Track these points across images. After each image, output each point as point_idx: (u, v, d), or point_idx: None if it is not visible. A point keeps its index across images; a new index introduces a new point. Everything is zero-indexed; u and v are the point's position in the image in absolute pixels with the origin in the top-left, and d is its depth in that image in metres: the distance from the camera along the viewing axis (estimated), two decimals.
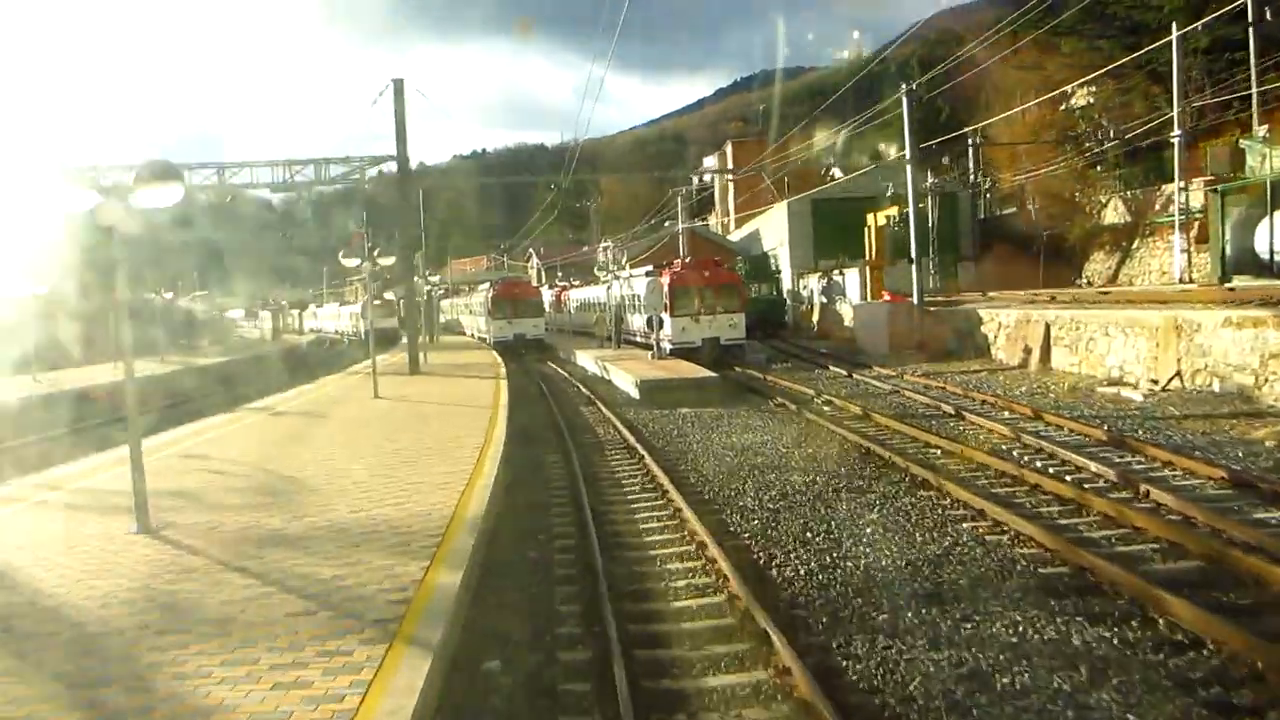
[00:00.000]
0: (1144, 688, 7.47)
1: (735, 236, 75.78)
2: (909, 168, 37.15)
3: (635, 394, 28.45)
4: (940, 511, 13.09)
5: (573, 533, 13.09)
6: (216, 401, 29.94)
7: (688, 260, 38.69)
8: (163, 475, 14.52)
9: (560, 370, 39.99)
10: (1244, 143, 34.15)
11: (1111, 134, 53.27)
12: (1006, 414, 21.39)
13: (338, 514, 11.77)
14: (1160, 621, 8.71)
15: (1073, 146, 48.90)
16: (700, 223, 77.99)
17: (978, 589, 9.88)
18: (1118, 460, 15.57)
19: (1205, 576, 9.94)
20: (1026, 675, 7.76)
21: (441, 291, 76.73)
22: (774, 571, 10.96)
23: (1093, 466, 14.99)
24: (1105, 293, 34.20)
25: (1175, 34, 38.40)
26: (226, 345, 68.82)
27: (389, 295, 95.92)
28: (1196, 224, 39.31)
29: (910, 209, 37.41)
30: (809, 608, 9.69)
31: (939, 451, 17.41)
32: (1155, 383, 22.86)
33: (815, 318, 52.26)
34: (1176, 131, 39.00)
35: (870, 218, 43.82)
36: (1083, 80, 51.23)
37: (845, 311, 47.40)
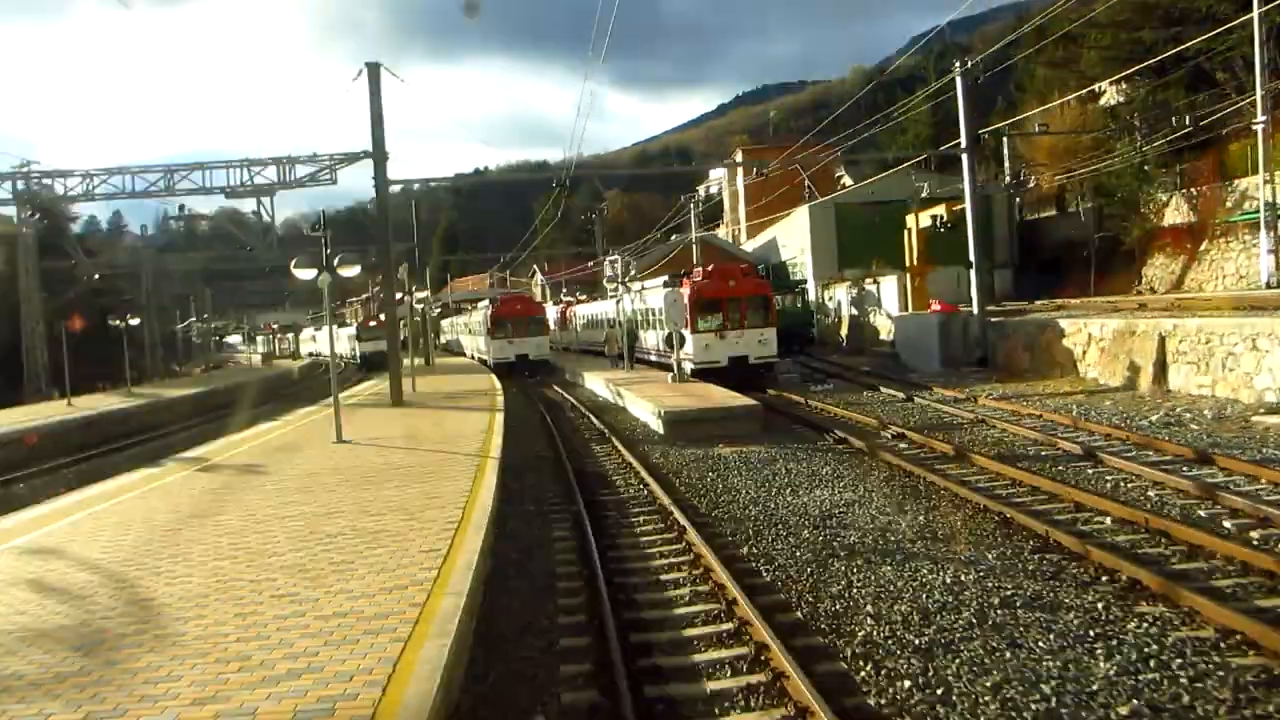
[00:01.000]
0: None
1: (748, 246, 70.46)
2: (965, 158, 31.84)
3: (658, 427, 23.11)
4: (1208, 652, 7.69)
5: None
6: (153, 448, 24.64)
7: (710, 268, 33.46)
8: None
9: (566, 396, 34.64)
10: None
11: (1144, 131, 48.12)
12: (1153, 455, 15.94)
13: (163, 712, 6.38)
14: None
15: (1128, 140, 43.50)
16: (707, 234, 72.69)
17: None
18: None
19: None
20: None
21: (438, 310, 71.39)
22: None
23: None
24: (1209, 299, 28.74)
25: (1258, 8, 33.12)
26: (210, 373, 63.67)
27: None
28: None
29: (968, 205, 32.07)
30: None
31: (1111, 522, 11.97)
32: None
33: (844, 331, 46.84)
34: (1261, 118, 33.67)
35: (910, 219, 38.47)
36: (1125, 73, 46.03)
37: (881, 324, 42.01)
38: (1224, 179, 41.13)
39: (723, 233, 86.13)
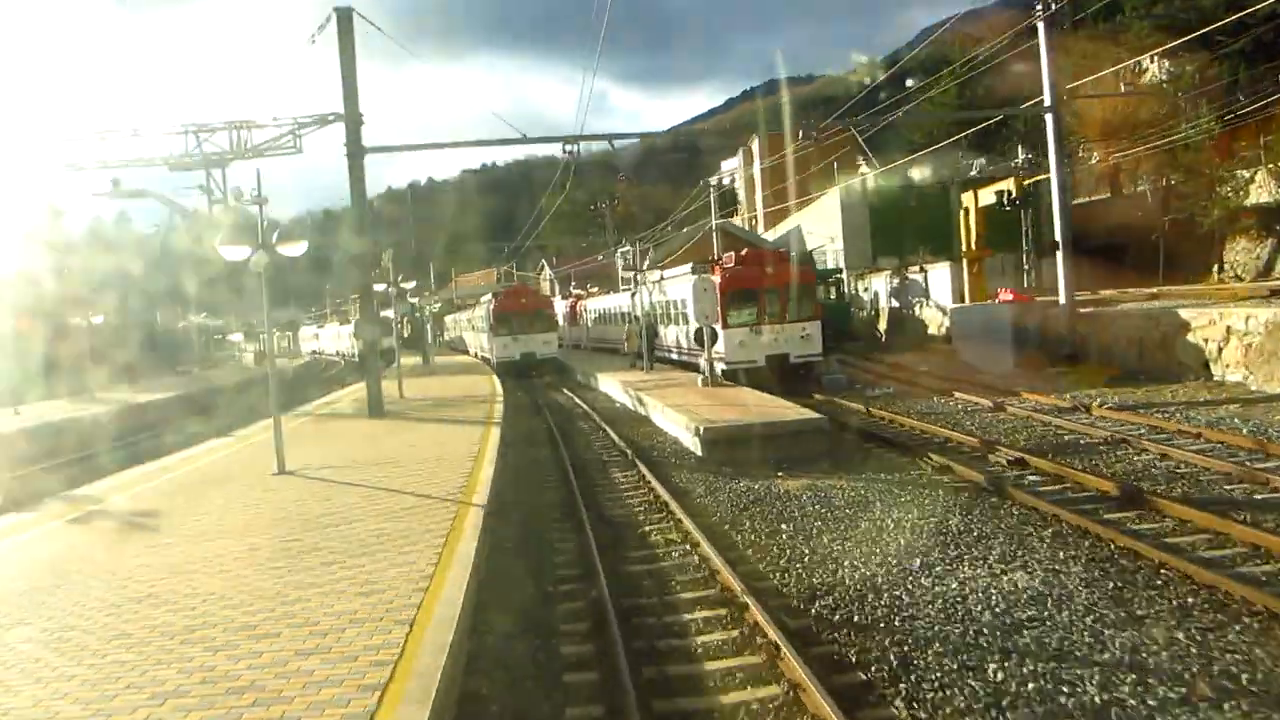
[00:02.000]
0: None
1: (768, 237, 65.05)
2: (1048, 118, 26.47)
3: (693, 446, 17.90)
4: None
5: None
6: (67, 475, 19.54)
7: (744, 253, 28.21)
8: None
9: (578, 402, 29.44)
10: None
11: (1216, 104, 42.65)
12: None
13: None
14: None
15: (1205, 109, 38.01)
16: (725, 221, 67.26)
17: None
18: None
19: None
20: None
21: (438, 306, 66.14)
22: None
23: None
24: None
25: None
26: (198, 374, 58.51)
27: (389, 312, 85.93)
28: None
29: (1054, 172, 26.71)
30: None
31: None
32: None
33: (883, 325, 41.49)
34: None
35: (967, 197, 33.14)
36: (1168, 46, 40.64)
37: (930, 317, 36.68)
38: None
39: (738, 222, 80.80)
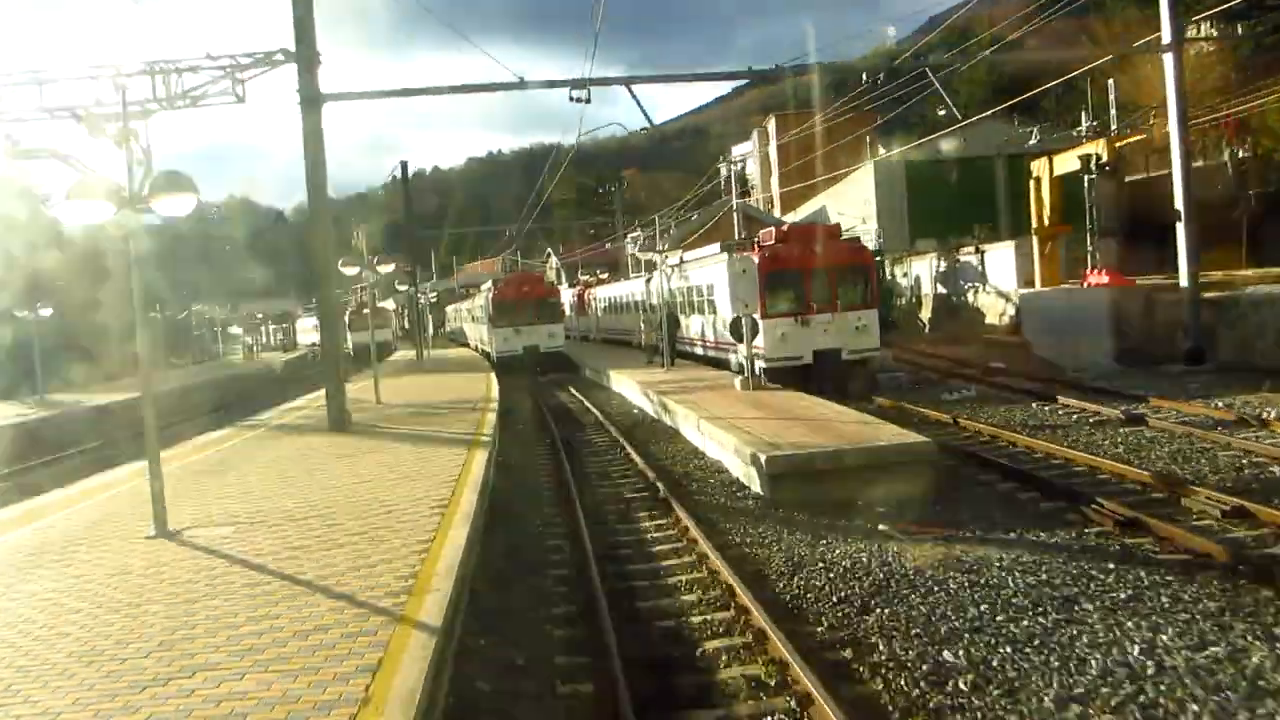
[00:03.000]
0: None
1: (789, 220, 59.86)
2: (1168, 60, 21.33)
3: (751, 480, 12.94)
4: None
5: None
6: None
7: (786, 229, 23.18)
8: None
9: (589, 406, 24.48)
10: None
11: None
12: None
13: None
14: None
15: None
16: (744, 202, 62.02)
17: None
18: None
19: None
20: None
21: (433, 295, 61.08)
22: None
23: None
24: None
25: None
26: (185, 370, 53.77)
27: (388, 303, 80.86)
28: None
29: (1173, 127, 21.57)
30: None
31: None
32: None
33: (925, 315, 36.37)
34: None
35: (1039, 165, 28.01)
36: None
37: (989, 304, 31.59)
38: None
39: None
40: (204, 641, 6.54)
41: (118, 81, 18.08)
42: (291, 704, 5.38)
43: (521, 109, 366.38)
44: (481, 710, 6.51)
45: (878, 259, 38.79)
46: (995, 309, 30.80)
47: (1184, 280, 20.85)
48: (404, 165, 40.49)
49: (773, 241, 22.70)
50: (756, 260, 21.27)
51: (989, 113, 38.17)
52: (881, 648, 7.19)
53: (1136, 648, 6.72)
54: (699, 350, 28.45)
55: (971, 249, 32.54)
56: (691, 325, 28.76)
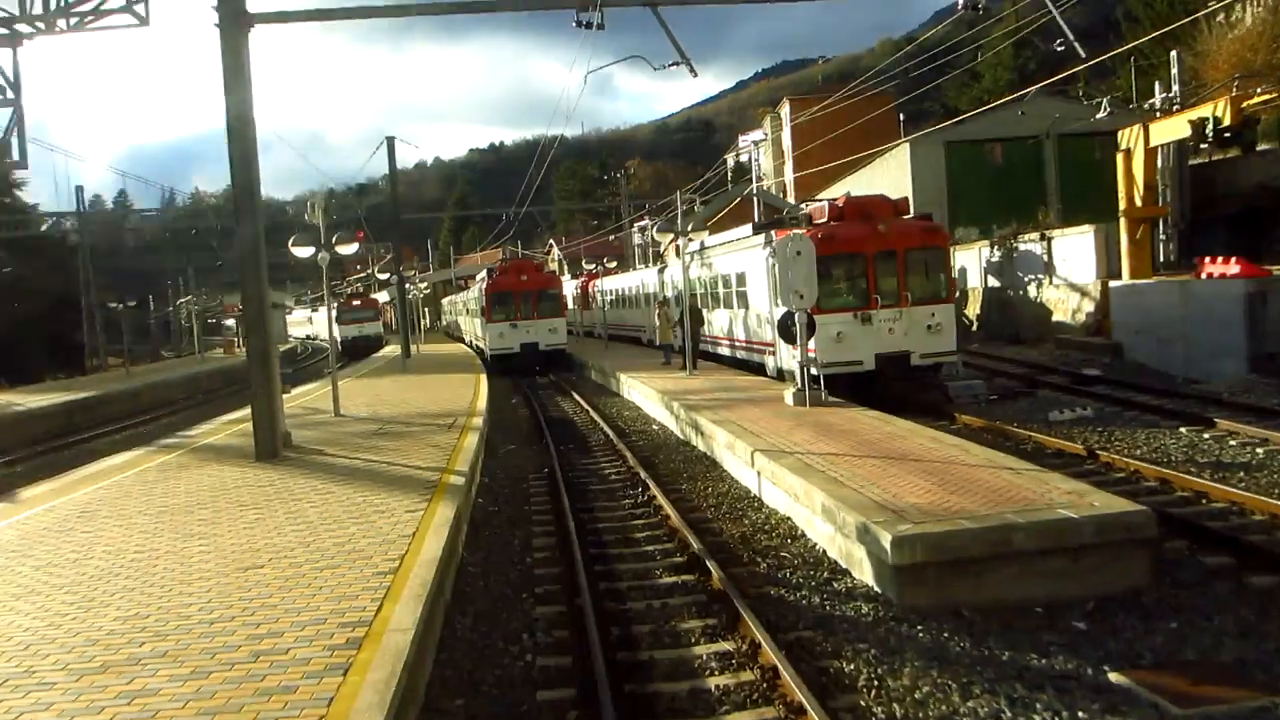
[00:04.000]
0: None
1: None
2: None
3: (856, 562, 8.26)
4: None
5: None
6: None
7: (841, 201, 18.38)
8: None
9: (596, 418, 19.79)
10: None
11: None
12: None
13: None
14: None
15: None
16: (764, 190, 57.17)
17: None
18: None
19: None
20: None
21: (425, 287, 56.21)
22: None
23: None
24: None
25: None
26: (150, 367, 49.09)
27: (382, 296, 75.91)
28: None
29: None
30: None
31: None
32: None
33: (973, 311, 31.65)
34: None
35: (1130, 135, 23.25)
36: None
37: (1057, 299, 26.86)
38: None
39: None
40: None
41: None
42: None
43: (523, 103, 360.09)
44: None
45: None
46: (1066, 305, 26.07)
47: None
48: (390, 141, 35.64)
49: (827, 218, 17.99)
50: (809, 241, 16.49)
51: (1039, 86, 33.53)
52: None
53: None
54: (723, 350, 23.78)
55: (1035, 236, 27.77)
56: (714, 321, 24.09)
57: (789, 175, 65.14)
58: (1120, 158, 23.21)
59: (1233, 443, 12.66)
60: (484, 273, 36.42)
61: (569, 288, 43.84)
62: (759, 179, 52.81)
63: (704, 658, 6.85)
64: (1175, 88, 26.30)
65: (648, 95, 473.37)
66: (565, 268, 69.12)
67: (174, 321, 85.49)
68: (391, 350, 43.90)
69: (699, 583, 8.45)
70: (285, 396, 23.27)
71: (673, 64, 14.57)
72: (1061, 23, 14.82)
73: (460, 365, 31.29)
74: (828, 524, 8.78)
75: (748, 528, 10.14)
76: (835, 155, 43.79)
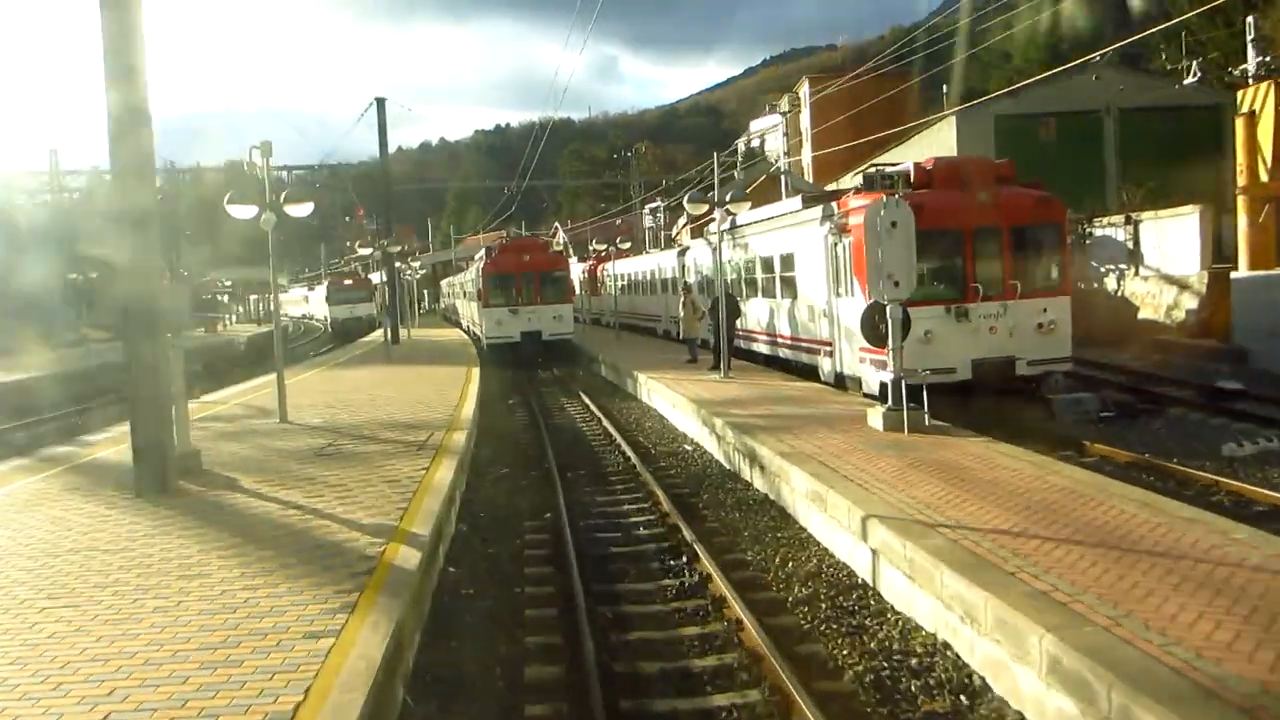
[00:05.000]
0: None
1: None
2: None
3: None
4: None
5: None
6: None
7: (929, 163, 14.21)
8: None
9: (609, 428, 15.71)
10: None
11: None
12: None
13: None
14: None
15: None
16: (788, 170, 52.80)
17: None
18: None
19: None
20: None
21: (419, 267, 51.87)
22: None
23: None
24: None
25: None
26: (94, 349, 44.83)
27: (375, 277, 71.56)
28: None
29: None
30: None
31: None
32: None
33: None
34: None
35: (1257, 93, 19.02)
36: None
37: (1145, 294, 22.68)
38: None
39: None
40: None
41: None
42: None
43: (527, 83, 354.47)
44: None
45: None
46: (1157, 300, 21.89)
47: None
48: (380, 101, 31.37)
49: (922, 183, 13.78)
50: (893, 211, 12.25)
51: (1113, 48, 29.27)
52: None
53: None
54: (760, 347, 19.66)
55: (1118, 220, 23.56)
56: (751, 313, 19.93)
57: (807, 157, 60.79)
58: (1241, 123, 19.03)
59: None
60: (482, 252, 32.20)
61: (576, 272, 39.62)
62: (786, 154, 48.41)
63: None
64: (1259, 56, 21.95)
65: (653, 81, 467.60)
66: (571, 251, 64.92)
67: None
68: (373, 337, 39.76)
69: None
70: (234, 391, 19.15)
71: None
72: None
73: (451, 355, 27.13)
74: (1070, 697, 4.66)
75: (879, 658, 6.04)
76: (856, 136, 39.54)
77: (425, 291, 71.63)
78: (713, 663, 6.23)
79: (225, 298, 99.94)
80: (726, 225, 21.69)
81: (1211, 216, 20.57)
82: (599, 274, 39.16)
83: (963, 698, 5.43)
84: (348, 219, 39.35)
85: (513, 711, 5.63)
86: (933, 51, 41.31)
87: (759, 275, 19.60)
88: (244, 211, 13.43)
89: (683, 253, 27.52)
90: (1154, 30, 33.65)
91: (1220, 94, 30.06)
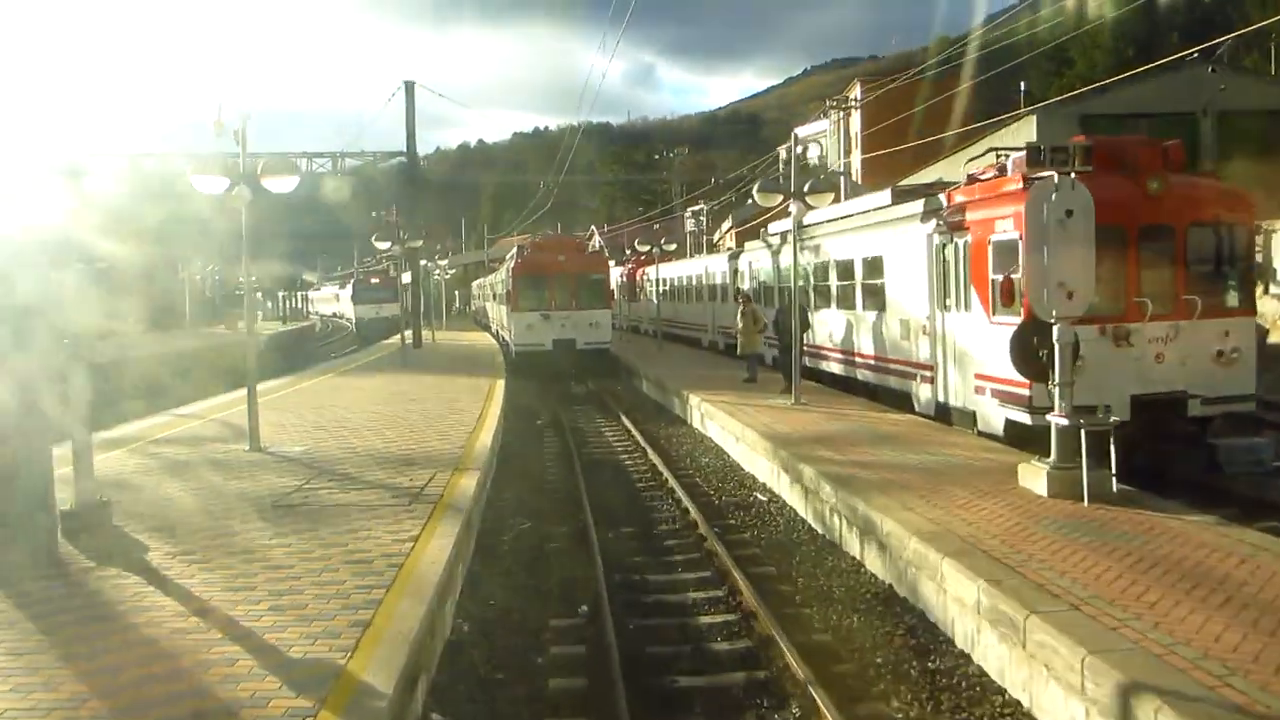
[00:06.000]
0: None
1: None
2: None
3: None
4: None
5: None
6: None
7: (1083, 141, 11.17)
8: None
9: (656, 463, 12.68)
10: None
11: None
12: None
13: None
14: None
15: None
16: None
17: None
18: None
19: None
20: None
21: (446, 267, 49.00)
22: None
23: None
24: None
25: None
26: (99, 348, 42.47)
27: (407, 277, 69.01)
28: None
29: None
30: None
31: None
32: None
33: None
34: None
35: None
36: None
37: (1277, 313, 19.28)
38: None
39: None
40: None
41: None
42: None
43: (565, 88, 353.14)
44: None
45: None
46: None
47: None
48: (409, 85, 28.60)
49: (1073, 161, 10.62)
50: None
51: (1222, 40, 26.05)
52: None
53: None
54: (832, 367, 16.52)
55: (1255, 232, 20.15)
56: (821, 326, 16.78)
57: (857, 162, 57.44)
58: None
59: None
60: (514, 250, 29.28)
61: (613, 275, 36.57)
62: (844, 154, 45.23)
63: None
64: None
65: (691, 88, 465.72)
66: (607, 254, 61.97)
67: (190, 291, 79.46)
68: (389, 341, 36.99)
69: None
70: (223, 401, 16.32)
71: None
72: None
73: (476, 363, 24.21)
74: None
75: None
76: (909, 141, 36.18)
77: (457, 293, 69.10)
78: None
79: (259, 295, 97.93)
80: (785, 226, 18.65)
81: None
82: (639, 278, 36.13)
83: None
84: (374, 214, 37.08)
85: None
86: (991, 52, 38.14)
87: (833, 283, 16.49)
88: (212, 184, 10.56)
89: (735, 256, 24.44)
90: (1245, 31, 30.20)
91: None
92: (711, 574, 7.99)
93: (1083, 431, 7.78)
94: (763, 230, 22.26)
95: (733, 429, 12.87)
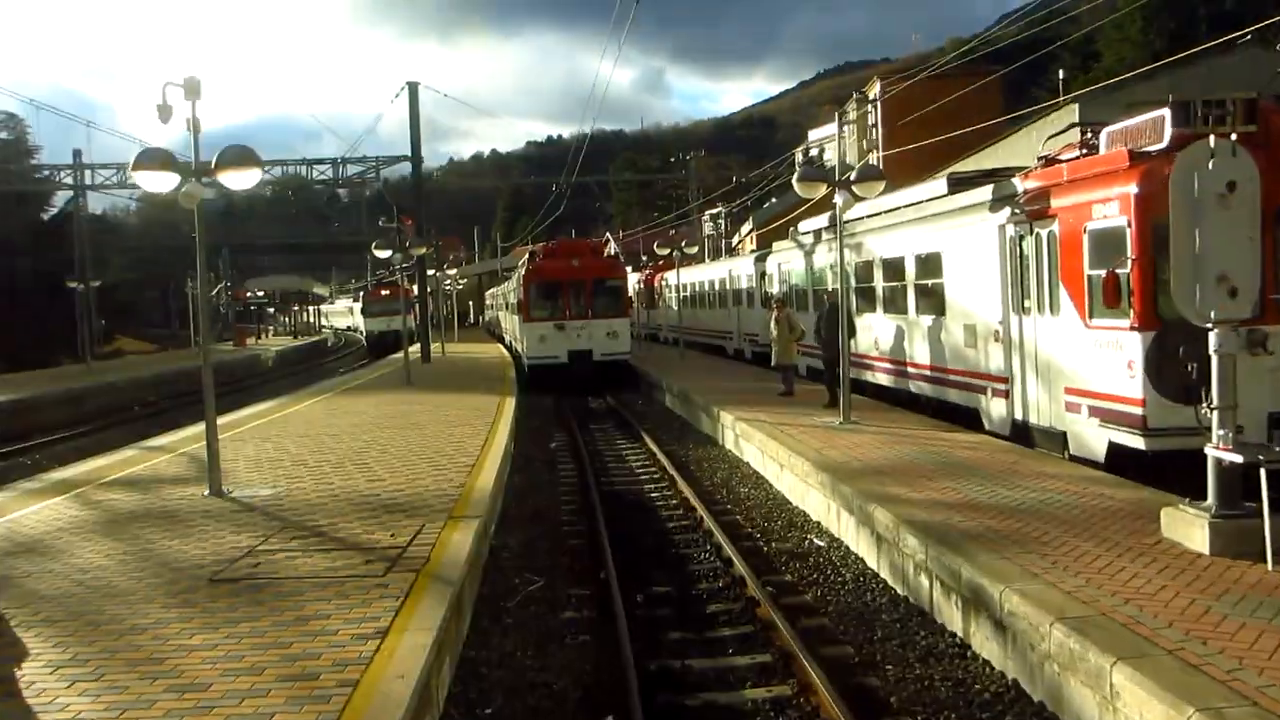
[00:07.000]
0: None
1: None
2: None
3: None
4: None
5: None
6: None
7: (1233, 96, 9.42)
8: None
9: (689, 498, 10.85)
10: None
11: None
12: None
13: None
14: None
15: None
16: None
17: None
18: None
19: None
20: None
21: (458, 278, 47.36)
22: None
23: None
24: None
25: None
26: (93, 366, 41.09)
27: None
28: None
29: None
30: None
31: None
32: None
33: None
34: None
35: None
36: None
37: None
38: None
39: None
40: None
41: None
42: None
43: (577, 97, 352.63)
44: None
45: None
46: None
47: None
48: (413, 86, 26.92)
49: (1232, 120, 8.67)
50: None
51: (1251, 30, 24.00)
52: None
53: None
54: (880, 377, 14.63)
55: None
56: (865, 333, 14.89)
57: (875, 161, 55.43)
58: None
59: None
60: (526, 256, 27.50)
61: (630, 281, 34.75)
62: (870, 148, 43.24)
63: None
64: None
65: (701, 94, 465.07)
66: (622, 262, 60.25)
67: (200, 306, 78.38)
68: (413, 350, 35.34)
69: None
70: (191, 432, 14.56)
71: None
72: None
73: (486, 378, 22.43)
74: None
75: None
76: (930, 138, 34.24)
77: (470, 304, 67.49)
78: None
79: (272, 310, 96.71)
80: (820, 223, 16.85)
81: None
82: (658, 284, 34.29)
83: None
84: (380, 221, 35.59)
85: None
86: (1016, 45, 36.23)
87: (878, 284, 14.63)
88: (159, 181, 8.82)
89: (762, 258, 22.57)
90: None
91: None
92: (772, 658, 6.12)
93: (1264, 471, 5.87)
94: (792, 229, 20.37)
95: (775, 454, 11.00)
